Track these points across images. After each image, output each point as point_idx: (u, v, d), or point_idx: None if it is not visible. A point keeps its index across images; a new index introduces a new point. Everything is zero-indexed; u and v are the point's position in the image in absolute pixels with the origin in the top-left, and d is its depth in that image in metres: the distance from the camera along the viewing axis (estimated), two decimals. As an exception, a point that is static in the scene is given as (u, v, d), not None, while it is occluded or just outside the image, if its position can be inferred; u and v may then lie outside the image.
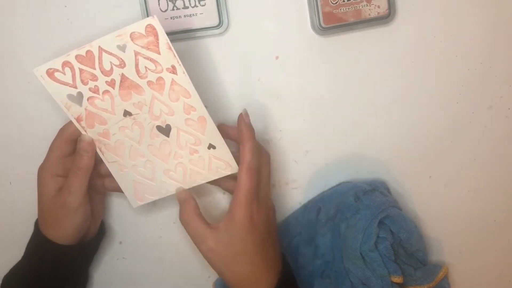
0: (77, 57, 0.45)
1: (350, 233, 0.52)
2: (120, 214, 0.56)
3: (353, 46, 0.55)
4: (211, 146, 0.48)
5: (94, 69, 0.46)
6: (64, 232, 0.48)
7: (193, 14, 0.52)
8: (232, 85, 0.54)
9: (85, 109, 0.47)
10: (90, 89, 0.46)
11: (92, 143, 0.47)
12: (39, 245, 0.49)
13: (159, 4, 0.51)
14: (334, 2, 0.52)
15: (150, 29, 0.44)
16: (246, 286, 0.47)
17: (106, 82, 0.46)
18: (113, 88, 0.46)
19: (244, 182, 0.46)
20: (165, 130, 0.48)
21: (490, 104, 0.58)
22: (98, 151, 0.48)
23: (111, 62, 0.45)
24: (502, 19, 0.56)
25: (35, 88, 0.53)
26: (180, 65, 0.45)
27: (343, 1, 0.52)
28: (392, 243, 0.52)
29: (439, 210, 0.59)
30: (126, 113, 0.47)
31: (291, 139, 0.56)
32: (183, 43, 0.53)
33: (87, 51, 0.45)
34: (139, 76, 0.46)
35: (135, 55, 0.45)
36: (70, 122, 0.48)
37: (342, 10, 0.52)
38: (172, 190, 0.50)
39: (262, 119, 0.55)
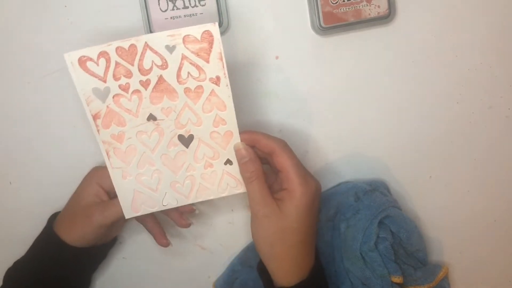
0: (118, 49, 0.43)
1: (350, 233, 0.52)
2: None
3: (353, 46, 0.55)
4: (228, 162, 0.47)
5: (132, 65, 0.43)
6: (76, 236, 0.48)
7: (193, 14, 0.52)
8: (232, 85, 0.54)
9: (107, 106, 0.44)
10: (120, 86, 0.44)
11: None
12: (49, 242, 0.49)
13: (159, 4, 0.51)
14: (334, 2, 0.52)
15: (206, 36, 0.43)
16: (288, 265, 0.46)
17: (140, 81, 0.44)
18: (146, 89, 0.44)
19: (288, 159, 0.45)
20: (186, 140, 0.46)
21: (490, 104, 0.58)
22: (104, 154, 0.46)
23: (153, 61, 0.43)
24: (502, 19, 0.56)
25: (35, 88, 0.53)
26: (226, 77, 0.44)
27: (343, 1, 0.52)
28: (392, 243, 0.52)
29: (439, 210, 0.59)
30: (151, 118, 0.45)
31: (291, 139, 0.56)
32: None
33: (131, 45, 0.43)
34: (178, 81, 0.44)
35: (182, 59, 0.43)
36: None
37: (342, 10, 0.52)
38: (173, 204, 0.48)
39: (262, 119, 0.55)
